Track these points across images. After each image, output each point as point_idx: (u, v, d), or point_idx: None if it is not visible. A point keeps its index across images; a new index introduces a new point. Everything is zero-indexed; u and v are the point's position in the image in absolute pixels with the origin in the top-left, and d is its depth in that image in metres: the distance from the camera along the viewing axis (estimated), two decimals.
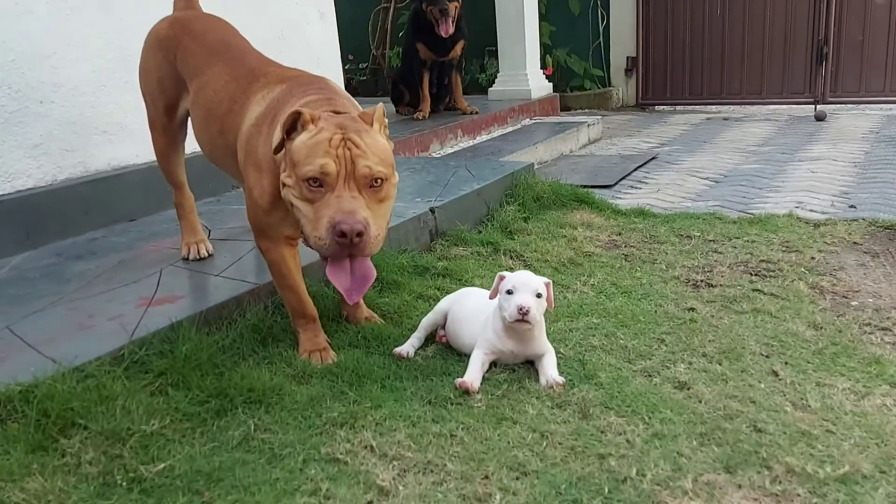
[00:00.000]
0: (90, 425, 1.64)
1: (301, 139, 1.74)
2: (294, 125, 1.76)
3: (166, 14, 2.54)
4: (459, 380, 1.87)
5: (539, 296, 1.91)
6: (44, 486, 1.47)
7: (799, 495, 1.37)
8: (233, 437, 1.71)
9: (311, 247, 1.81)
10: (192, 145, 3.27)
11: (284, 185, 1.78)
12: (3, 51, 2.72)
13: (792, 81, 6.89)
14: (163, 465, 1.57)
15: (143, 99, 2.48)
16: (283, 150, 1.79)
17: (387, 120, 1.91)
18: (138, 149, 3.19)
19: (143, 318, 2.08)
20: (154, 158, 2.69)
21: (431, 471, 1.53)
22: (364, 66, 8.90)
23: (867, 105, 6.73)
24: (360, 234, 1.67)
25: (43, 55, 2.82)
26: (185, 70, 2.30)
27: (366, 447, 1.62)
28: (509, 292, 1.90)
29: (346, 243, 1.68)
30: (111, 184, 3.08)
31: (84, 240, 2.91)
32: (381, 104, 1.89)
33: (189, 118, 2.45)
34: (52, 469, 1.53)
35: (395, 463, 1.56)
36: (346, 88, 2.17)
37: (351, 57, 8.47)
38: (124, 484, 1.52)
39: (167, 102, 2.41)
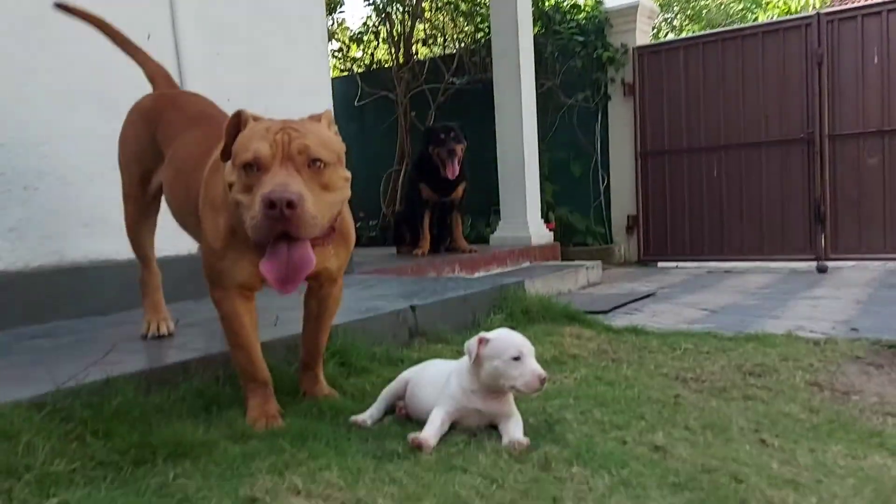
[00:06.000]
0: None
1: (241, 134, 1.74)
2: (238, 128, 1.74)
3: None
4: (413, 435, 1.68)
5: None
6: None
7: None
8: (148, 484, 1.52)
9: (254, 241, 1.70)
10: (175, 247, 3.26)
11: (230, 186, 1.72)
12: None
13: (792, 239, 6.91)
14: (56, 501, 1.38)
15: (119, 170, 2.49)
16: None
17: (336, 126, 1.90)
18: (119, 245, 3.15)
19: (79, 374, 1.94)
20: (135, 256, 2.65)
21: None
22: (374, 223, 9.14)
23: (869, 262, 6.69)
24: (290, 205, 1.57)
25: (34, 143, 2.89)
26: (164, 138, 2.32)
27: (290, 488, 1.42)
28: (516, 359, 1.75)
29: (276, 215, 1.57)
30: (86, 276, 3.02)
31: (49, 327, 2.81)
32: (328, 109, 1.89)
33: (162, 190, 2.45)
34: None
35: (319, 500, 1.36)
36: (357, 242, 2.19)
37: (362, 214, 8.73)
38: None
39: (142, 173, 2.42)
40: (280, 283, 1.66)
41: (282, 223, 1.60)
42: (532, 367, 1.74)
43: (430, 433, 1.71)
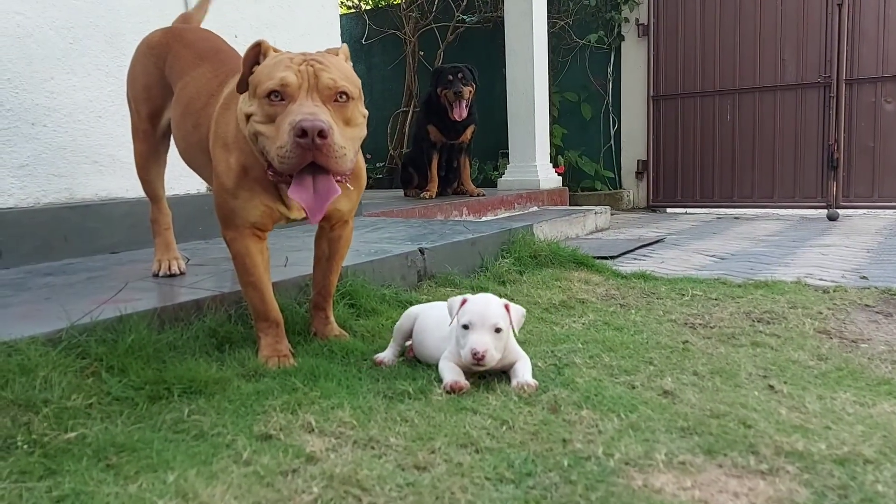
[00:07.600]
0: (2, 393, 1.49)
1: (262, 64, 1.72)
2: (257, 59, 1.72)
3: None
4: (449, 382, 1.68)
5: (499, 330, 1.72)
6: None
7: (788, 472, 1.16)
8: (163, 420, 1.54)
9: (275, 174, 1.69)
10: (184, 186, 3.24)
11: (248, 117, 1.70)
12: None
13: (804, 186, 6.85)
14: (74, 434, 1.41)
15: (128, 105, 2.47)
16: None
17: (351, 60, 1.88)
18: (129, 183, 3.16)
19: (94, 311, 1.95)
20: (145, 194, 2.64)
21: (372, 446, 1.34)
22: (381, 165, 9.09)
23: (881, 210, 6.63)
24: (322, 135, 1.56)
25: (40, 79, 2.85)
26: (173, 73, 2.29)
27: (303, 426, 1.44)
28: (466, 327, 1.71)
29: (308, 144, 1.56)
30: (97, 213, 3.02)
31: (60, 264, 2.82)
32: (344, 45, 1.86)
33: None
34: None
35: (332, 439, 1.38)
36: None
37: (369, 156, 8.66)
38: (24, 447, 1.35)
39: (151, 109, 2.39)
40: (311, 210, 1.66)
41: (312, 153, 1.58)
42: (472, 342, 1.68)
43: (455, 378, 1.70)
